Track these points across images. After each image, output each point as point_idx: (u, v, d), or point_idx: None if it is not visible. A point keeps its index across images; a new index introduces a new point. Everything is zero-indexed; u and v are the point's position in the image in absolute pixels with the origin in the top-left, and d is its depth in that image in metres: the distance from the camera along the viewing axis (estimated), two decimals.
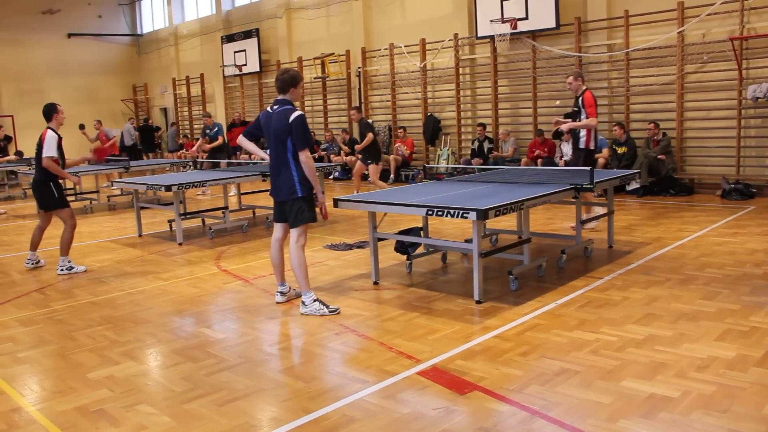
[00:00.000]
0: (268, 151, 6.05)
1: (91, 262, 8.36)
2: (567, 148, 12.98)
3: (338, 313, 5.72)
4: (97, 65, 26.49)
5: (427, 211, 5.76)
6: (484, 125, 14.81)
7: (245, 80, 21.86)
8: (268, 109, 5.89)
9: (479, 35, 14.62)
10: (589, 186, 6.61)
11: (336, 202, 6.51)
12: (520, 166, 13.10)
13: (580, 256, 7.43)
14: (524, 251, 6.56)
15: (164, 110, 26.37)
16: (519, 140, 14.55)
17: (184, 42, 24.68)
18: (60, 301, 6.57)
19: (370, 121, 12.44)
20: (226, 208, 10.21)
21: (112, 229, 10.91)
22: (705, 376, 4.07)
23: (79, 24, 25.90)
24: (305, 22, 19.51)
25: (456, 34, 15.31)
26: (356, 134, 17.48)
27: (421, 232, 7.01)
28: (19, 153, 17.61)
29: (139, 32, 27.52)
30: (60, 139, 7.68)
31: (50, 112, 7.71)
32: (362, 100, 17.78)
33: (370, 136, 11.67)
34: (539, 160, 13.32)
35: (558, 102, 9.15)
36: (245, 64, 21.08)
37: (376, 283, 6.64)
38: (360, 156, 12.18)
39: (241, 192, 11.61)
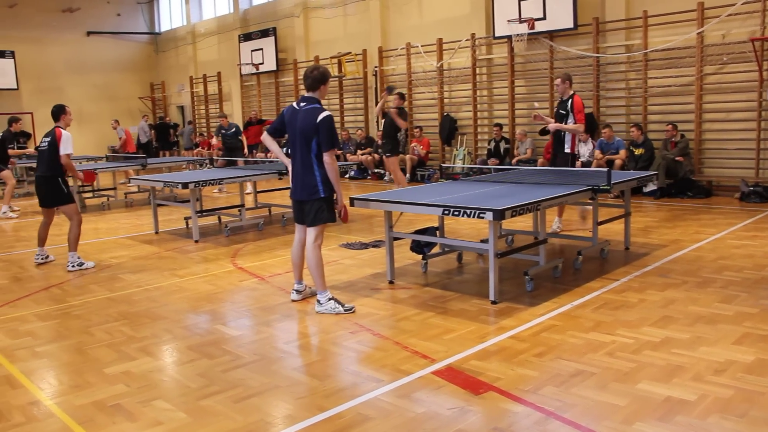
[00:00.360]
0: (286, 150, 6.02)
1: (107, 258, 8.43)
2: (584, 149, 12.93)
3: (353, 311, 5.72)
4: (115, 63, 26.67)
5: (443, 210, 5.76)
6: (500, 125, 14.77)
7: (262, 79, 21.92)
8: (294, 105, 5.80)
9: (496, 35, 14.57)
10: (606, 187, 6.57)
11: (352, 201, 6.51)
12: (536, 166, 13.05)
13: (596, 257, 7.39)
14: (540, 252, 6.53)
15: (181, 108, 26.50)
16: (535, 141, 14.49)
17: (202, 40, 24.79)
18: (77, 297, 6.62)
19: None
20: (242, 206, 10.25)
21: (129, 226, 10.99)
22: (722, 380, 4.04)
23: (98, 22, 26.09)
24: (322, 21, 19.54)
25: (473, 34, 15.27)
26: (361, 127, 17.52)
27: (437, 231, 7.01)
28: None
29: (157, 30, 27.67)
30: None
31: (59, 112, 7.86)
32: (378, 100, 17.76)
33: (403, 123, 11.29)
34: (540, 160, 13.28)
35: (536, 104, 9.05)
36: (262, 63, 21.14)
37: (391, 282, 6.64)
38: (381, 149, 11.82)
39: (258, 190, 11.64)
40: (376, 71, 17.72)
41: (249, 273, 7.37)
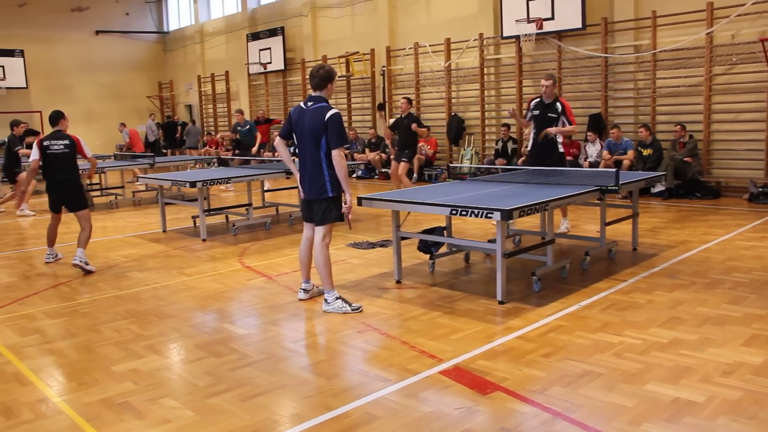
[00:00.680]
0: (294, 149, 6.03)
1: (115, 256, 8.46)
2: (592, 150, 12.90)
3: (361, 311, 5.73)
4: (123, 62, 26.76)
5: (451, 210, 5.76)
6: (508, 126, 14.75)
7: (270, 78, 21.95)
8: (301, 105, 5.80)
9: (504, 35, 14.55)
10: (614, 188, 6.55)
11: (360, 201, 6.51)
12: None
13: (604, 258, 7.38)
14: (548, 252, 6.53)
15: (189, 107, 26.56)
16: None
17: (210, 39, 24.84)
18: (86, 295, 6.65)
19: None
20: (249, 205, 10.27)
21: (137, 225, 11.02)
22: (731, 382, 4.02)
23: (107, 21, 26.18)
24: (330, 21, 19.55)
25: (481, 34, 15.25)
26: (377, 130, 17.52)
27: (445, 231, 7.00)
28: None
29: (165, 30, 27.75)
30: None
31: (59, 117, 7.92)
32: (386, 99, 17.78)
33: (425, 131, 11.28)
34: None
35: (512, 108, 9.02)
36: (270, 62, 21.17)
37: (398, 281, 6.64)
38: (396, 152, 11.67)
39: (265, 189, 11.66)
40: (383, 71, 17.72)
41: (256, 272, 7.38)
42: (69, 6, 25.08)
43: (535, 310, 5.58)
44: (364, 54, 18.13)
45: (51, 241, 8.19)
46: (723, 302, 5.64)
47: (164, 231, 10.16)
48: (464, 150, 15.94)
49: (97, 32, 26.08)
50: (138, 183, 14.65)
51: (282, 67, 20.86)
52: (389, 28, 17.58)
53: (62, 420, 3.85)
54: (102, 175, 14.51)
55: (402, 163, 11.28)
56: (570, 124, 8.42)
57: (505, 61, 15.29)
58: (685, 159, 11.74)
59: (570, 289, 6.21)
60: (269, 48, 21.11)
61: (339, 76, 18.51)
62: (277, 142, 5.95)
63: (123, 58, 26.74)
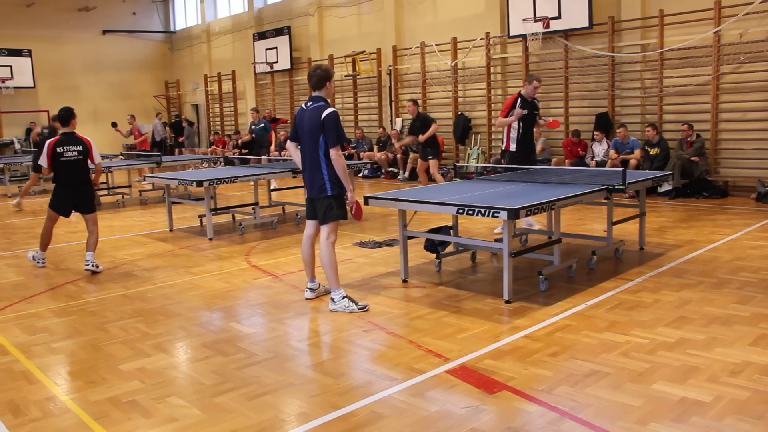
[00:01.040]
0: (290, 146, 6.08)
1: (122, 255, 8.48)
2: (599, 149, 12.88)
3: (367, 310, 5.73)
4: (130, 62, 26.83)
5: (458, 209, 5.75)
6: None
7: (276, 77, 21.98)
8: (303, 105, 5.89)
9: (511, 34, 14.53)
10: (621, 187, 6.54)
11: (366, 200, 6.52)
12: (550, 166, 13.00)
13: (610, 257, 7.36)
14: (554, 252, 6.51)
15: (195, 107, 26.61)
16: (549, 140, 14.44)
17: (216, 39, 24.88)
18: (93, 293, 6.67)
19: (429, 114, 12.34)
20: (256, 204, 10.28)
21: (144, 224, 11.05)
22: (739, 381, 4.01)
23: (114, 21, 26.25)
24: (337, 20, 19.56)
25: (488, 33, 15.23)
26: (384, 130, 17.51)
27: (451, 230, 7.00)
28: None
29: (171, 29, 27.81)
30: None
31: (69, 117, 7.67)
32: (393, 99, 17.78)
33: (434, 127, 11.51)
34: (567, 161, 13.23)
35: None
36: (276, 62, 21.20)
37: (405, 281, 6.64)
38: (419, 151, 11.98)
39: (271, 188, 11.67)
40: (390, 70, 17.72)
41: (263, 271, 7.40)
42: (76, 6, 25.15)
43: (541, 310, 5.58)
44: (371, 53, 18.14)
45: (46, 244, 7.97)
46: (730, 302, 5.62)
47: (171, 230, 10.18)
48: (471, 149, 15.93)
49: (104, 32, 26.16)
50: (145, 182, 14.69)
51: (288, 67, 20.88)
52: (396, 28, 17.57)
53: (70, 418, 3.86)
54: (109, 174, 14.56)
55: (430, 161, 11.55)
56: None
57: (512, 60, 15.28)
58: (693, 158, 11.70)
59: (577, 288, 6.20)
60: (276, 47, 21.13)
61: (345, 76, 18.58)
62: (288, 144, 6.10)
63: (130, 58, 26.82)
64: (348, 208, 5.89)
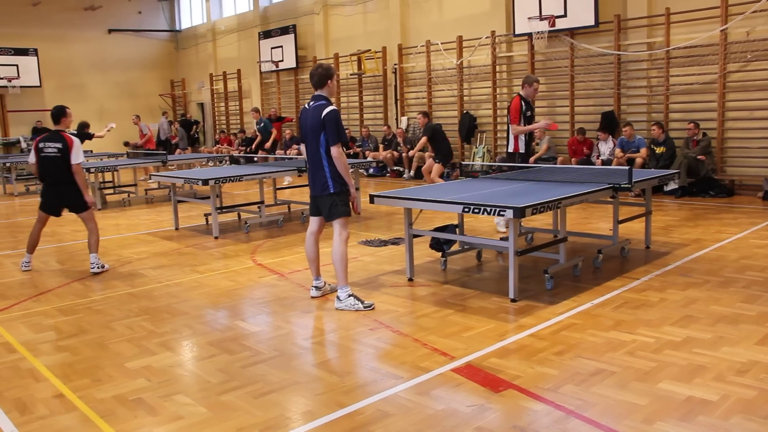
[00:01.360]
0: (301, 147, 6.13)
1: (128, 254, 8.50)
2: (605, 148, 12.85)
3: (373, 308, 5.73)
4: (136, 60, 26.88)
5: (464, 208, 5.75)
6: None
7: (282, 76, 21.99)
8: (306, 105, 5.93)
9: (517, 33, 14.51)
10: (627, 185, 6.53)
11: (372, 198, 6.52)
12: (555, 164, 12.98)
13: (616, 256, 7.35)
14: (560, 250, 6.50)
15: (201, 105, 26.65)
16: (555, 139, 14.41)
17: (222, 38, 24.91)
18: (99, 292, 6.69)
19: (435, 123, 12.77)
20: (261, 202, 10.29)
21: (150, 222, 11.07)
22: (745, 380, 4.00)
23: (120, 20, 26.31)
24: (342, 19, 19.56)
25: (493, 32, 15.21)
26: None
27: (457, 229, 6.99)
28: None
29: (177, 28, 27.84)
30: None
31: (60, 114, 7.59)
32: (398, 97, 17.78)
33: (423, 140, 12.24)
34: (573, 159, 13.20)
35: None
36: (282, 60, 21.21)
37: (410, 279, 6.64)
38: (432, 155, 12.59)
39: (277, 187, 11.68)
40: (395, 69, 17.71)
41: (268, 269, 7.40)
42: (82, 5, 25.21)
43: (547, 308, 5.57)
44: (376, 52, 18.13)
45: (32, 246, 7.79)
46: (737, 301, 5.61)
47: (177, 229, 10.20)
48: (476, 148, 15.92)
49: (110, 31, 26.21)
50: (150, 181, 14.72)
51: (294, 65, 20.89)
52: (401, 26, 17.56)
53: (76, 416, 3.87)
54: (115, 173, 14.60)
55: (437, 165, 12.17)
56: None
57: (518, 58, 15.25)
58: (699, 157, 11.66)
59: (582, 287, 6.19)
60: (281, 46, 21.14)
61: (351, 74, 18.58)
62: (301, 146, 6.17)
63: (135, 57, 26.87)
64: (350, 202, 5.91)
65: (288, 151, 18.79)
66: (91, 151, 19.80)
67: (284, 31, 21.02)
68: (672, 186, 11.71)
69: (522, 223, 8.37)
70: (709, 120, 12.14)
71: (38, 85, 23.93)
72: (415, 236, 6.72)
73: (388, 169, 16.95)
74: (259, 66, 22.34)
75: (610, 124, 13.12)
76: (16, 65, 23.32)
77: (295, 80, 21.31)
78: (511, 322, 5.31)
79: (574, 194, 6.14)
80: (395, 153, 16.74)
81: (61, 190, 7.53)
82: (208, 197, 9.68)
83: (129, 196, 13.95)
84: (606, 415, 3.64)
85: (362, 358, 4.69)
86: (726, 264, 6.86)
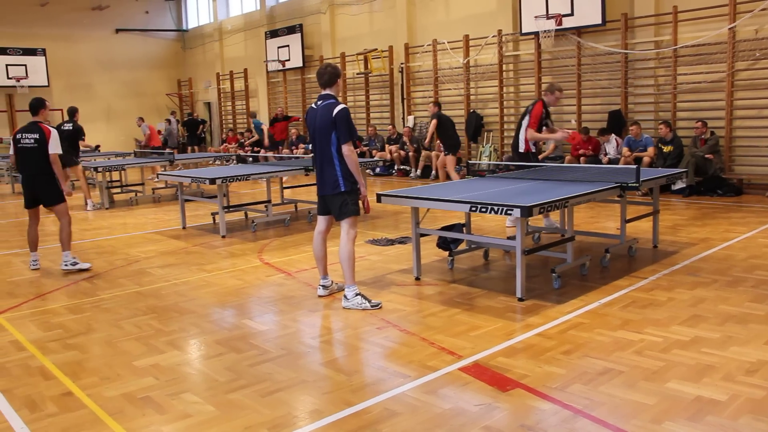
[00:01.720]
0: (309, 146, 6.14)
1: (136, 252, 8.53)
2: (611, 147, 12.81)
3: (380, 307, 5.73)
4: (143, 60, 26.96)
5: (471, 207, 5.74)
6: None
7: (288, 75, 22.01)
8: (313, 105, 5.94)
9: (523, 31, 14.48)
10: (635, 184, 6.51)
11: (379, 197, 6.52)
12: (563, 163, 12.95)
13: (624, 255, 7.33)
14: (568, 249, 6.49)
15: (208, 105, 26.70)
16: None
17: (229, 37, 24.94)
18: (107, 291, 6.71)
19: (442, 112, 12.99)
20: (268, 201, 10.30)
21: (157, 221, 11.10)
22: (754, 380, 3.98)
23: (127, 20, 26.38)
24: (348, 18, 19.56)
25: (500, 31, 15.19)
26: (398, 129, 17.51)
27: (464, 228, 6.99)
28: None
29: (184, 28, 27.90)
30: None
31: (39, 106, 7.56)
32: (405, 96, 17.77)
33: (433, 123, 12.39)
34: (581, 159, 13.16)
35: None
36: (288, 60, 21.23)
37: (417, 278, 6.64)
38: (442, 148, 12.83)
39: (284, 186, 11.69)
40: (402, 68, 17.70)
41: (275, 268, 7.41)
42: (89, 5, 25.30)
43: (555, 308, 5.56)
44: (383, 51, 18.13)
45: (33, 244, 7.80)
46: (745, 300, 5.59)
47: (184, 228, 10.22)
48: (483, 147, 15.90)
49: (117, 30, 26.29)
50: (157, 180, 14.76)
51: (300, 65, 20.90)
52: (407, 25, 17.56)
53: (85, 414, 3.89)
54: (122, 172, 14.64)
55: (448, 157, 12.49)
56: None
57: (524, 57, 15.23)
58: (707, 156, 11.62)
59: (590, 286, 6.18)
60: (288, 45, 21.16)
61: (357, 73, 18.59)
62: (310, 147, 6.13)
63: (142, 56, 26.95)
64: (360, 203, 5.92)
65: (294, 150, 18.83)
66: (99, 149, 19.87)
67: (291, 30, 21.04)
68: (680, 185, 11.68)
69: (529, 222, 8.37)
70: (717, 119, 12.10)
71: (46, 84, 24.01)
72: (422, 235, 6.72)
73: (395, 168, 16.94)
74: (266, 65, 22.36)
75: (617, 123, 13.09)
76: (25, 65, 23.43)
77: (302, 79, 21.33)
78: (518, 321, 5.30)
79: (581, 193, 6.13)
80: (402, 152, 16.73)
81: (35, 181, 7.49)
82: (215, 196, 9.70)
83: (136, 195, 13.99)
84: (614, 414, 3.63)
85: (369, 356, 4.69)
86: (734, 263, 6.84)
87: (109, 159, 17.19)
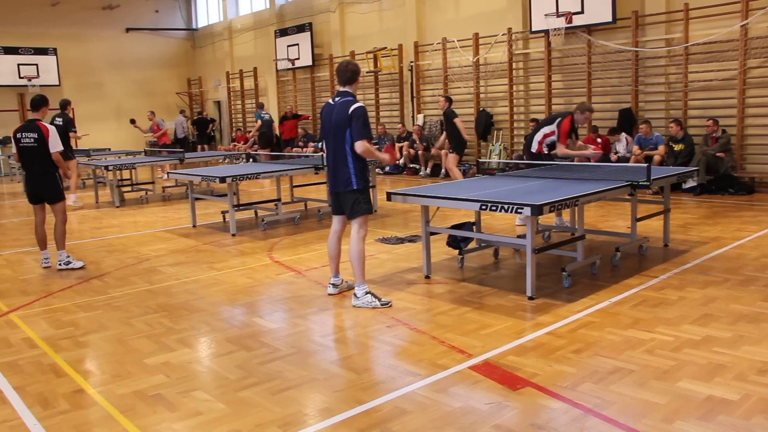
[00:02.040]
0: (319, 144, 6.16)
1: (146, 251, 8.56)
2: (621, 146, 12.76)
3: (390, 306, 5.73)
4: (153, 59, 27.04)
5: (481, 205, 5.74)
6: (537, 120, 14.60)
7: (298, 74, 22.04)
8: (330, 101, 5.93)
9: (533, 29, 14.44)
10: (646, 183, 6.49)
11: (389, 196, 6.52)
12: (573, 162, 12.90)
13: (634, 254, 7.30)
14: (578, 248, 6.47)
15: (218, 103, 26.76)
16: None
17: (238, 36, 24.98)
18: (118, 289, 6.74)
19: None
20: (278, 200, 10.32)
21: (167, 220, 11.14)
22: (767, 380, 3.96)
23: (137, 19, 26.47)
24: (358, 17, 19.55)
25: (510, 29, 15.15)
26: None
27: (474, 227, 6.98)
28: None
29: (194, 26, 27.96)
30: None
31: (41, 103, 7.62)
32: (414, 95, 17.75)
33: (459, 121, 12.22)
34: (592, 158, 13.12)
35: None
36: (298, 58, 21.25)
37: (427, 277, 6.64)
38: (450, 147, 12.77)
39: (294, 185, 11.71)
40: (411, 66, 17.69)
41: (285, 267, 7.43)
42: (100, 4, 25.39)
43: (565, 306, 5.55)
44: (392, 49, 18.12)
45: (42, 242, 7.84)
46: (758, 299, 5.56)
47: (194, 226, 10.26)
48: (492, 145, 15.87)
49: (128, 30, 26.37)
50: (167, 178, 14.81)
51: (310, 63, 20.91)
52: (417, 24, 17.54)
53: (97, 411, 3.91)
54: (132, 170, 14.70)
55: (452, 155, 12.35)
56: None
57: (534, 55, 15.18)
58: (718, 154, 11.56)
59: (600, 285, 6.16)
60: (297, 44, 21.18)
61: (367, 72, 18.58)
62: (323, 144, 6.25)
63: (152, 55, 27.03)
64: (386, 159, 6.18)
65: (304, 150, 18.83)
66: (109, 149, 19.96)
67: (300, 29, 21.06)
68: (691, 183, 11.63)
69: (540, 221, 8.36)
70: (728, 117, 12.03)
71: (57, 84, 24.10)
72: (432, 234, 6.71)
73: (405, 167, 16.93)
74: (275, 64, 22.39)
75: (627, 121, 13.03)
76: (36, 65, 23.53)
77: (311, 78, 21.35)
78: (528, 319, 5.29)
79: (592, 192, 6.11)
80: (411, 150, 16.72)
81: (37, 179, 7.59)
82: (225, 194, 9.72)
83: (147, 193, 14.05)
84: (625, 413, 3.62)
85: (379, 355, 4.70)
86: (746, 262, 6.80)
87: (119, 158, 17.26)
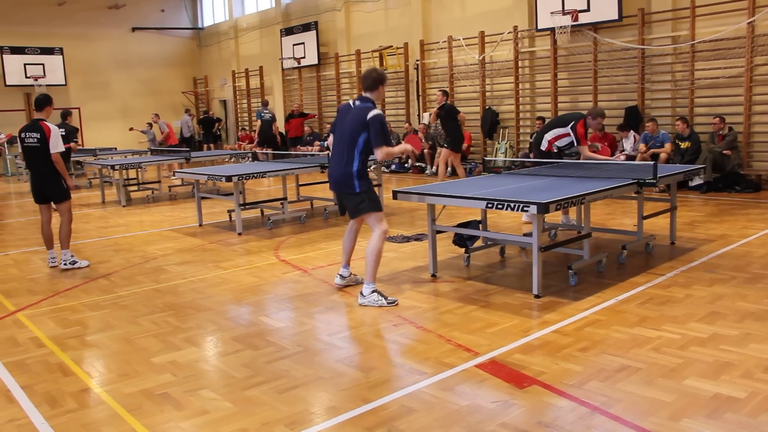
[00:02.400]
0: (325, 144, 6.16)
1: (153, 250, 8.58)
2: (628, 143, 12.74)
3: (396, 304, 5.74)
4: (159, 58, 27.10)
5: (487, 204, 5.73)
6: (543, 119, 14.60)
7: (303, 73, 22.05)
8: (350, 102, 5.98)
9: (539, 27, 14.42)
10: (652, 181, 6.47)
11: (395, 194, 6.52)
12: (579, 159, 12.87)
13: (641, 252, 7.28)
14: (584, 246, 6.46)
15: (224, 102, 26.81)
16: None
17: (244, 35, 25.01)
18: (125, 288, 6.76)
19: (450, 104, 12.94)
20: (284, 199, 10.33)
21: (174, 219, 11.16)
22: None
23: (143, 18, 26.53)
24: (364, 15, 19.55)
25: (515, 27, 15.13)
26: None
27: (480, 225, 6.98)
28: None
29: (200, 26, 28.00)
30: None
31: (45, 103, 7.61)
32: (420, 93, 17.75)
33: (461, 116, 12.33)
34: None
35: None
36: (304, 57, 21.26)
37: (434, 275, 6.64)
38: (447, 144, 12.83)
39: (300, 183, 11.72)
40: (417, 65, 17.68)
41: (292, 265, 7.44)
42: (106, 4, 25.46)
43: (571, 304, 5.54)
44: (398, 48, 18.11)
45: (48, 242, 7.84)
46: (764, 297, 5.54)
47: (200, 225, 10.27)
48: (498, 143, 15.86)
49: (134, 29, 26.43)
50: (174, 177, 14.84)
51: (316, 62, 20.92)
52: (423, 22, 17.53)
53: (104, 410, 3.92)
54: (139, 170, 14.73)
55: (443, 150, 12.47)
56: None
57: (540, 53, 15.16)
58: (724, 152, 11.52)
59: (607, 283, 6.15)
60: (303, 43, 21.19)
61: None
62: (330, 140, 6.23)
63: (158, 55, 27.09)
64: (409, 150, 6.10)
65: (309, 148, 18.85)
66: (116, 149, 20.02)
67: (306, 27, 21.07)
68: (697, 181, 11.59)
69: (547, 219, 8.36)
70: (735, 114, 11.99)
71: (63, 83, 24.19)
72: (438, 232, 6.71)
73: (411, 165, 16.93)
74: (281, 63, 22.41)
75: (633, 119, 13.00)
76: (43, 64, 23.61)
77: (317, 77, 21.36)
78: (534, 318, 5.29)
79: (598, 190, 6.10)
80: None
81: (42, 179, 7.62)
82: (232, 194, 9.74)
83: (153, 193, 14.08)
84: (631, 411, 3.62)
85: (386, 353, 4.70)
86: (753, 260, 6.78)
87: (125, 157, 17.30)
